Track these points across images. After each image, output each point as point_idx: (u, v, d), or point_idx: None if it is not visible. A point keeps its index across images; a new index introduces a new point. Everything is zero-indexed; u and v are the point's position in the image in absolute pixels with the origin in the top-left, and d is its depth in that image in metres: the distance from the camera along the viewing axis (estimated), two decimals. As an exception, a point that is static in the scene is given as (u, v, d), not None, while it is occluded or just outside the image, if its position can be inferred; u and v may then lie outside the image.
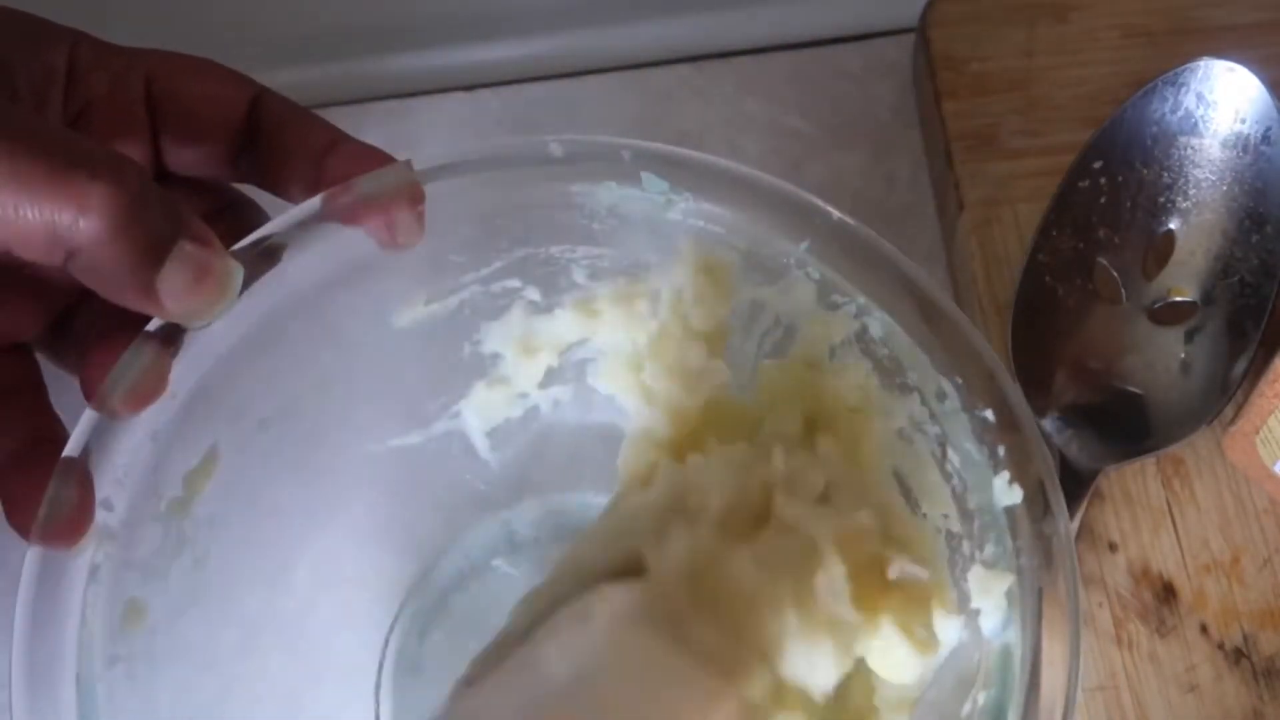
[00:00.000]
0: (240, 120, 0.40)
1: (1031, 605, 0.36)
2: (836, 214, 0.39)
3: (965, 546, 0.39)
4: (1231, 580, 0.47)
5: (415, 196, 0.38)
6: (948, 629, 0.40)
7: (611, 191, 0.40)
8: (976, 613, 0.38)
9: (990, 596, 0.38)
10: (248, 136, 0.40)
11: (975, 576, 0.38)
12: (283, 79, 0.57)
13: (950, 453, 0.39)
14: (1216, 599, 0.47)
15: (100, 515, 0.36)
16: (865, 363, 0.41)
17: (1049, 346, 0.49)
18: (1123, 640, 0.46)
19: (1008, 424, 0.38)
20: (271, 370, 0.40)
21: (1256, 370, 0.46)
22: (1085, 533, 0.47)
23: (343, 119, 0.58)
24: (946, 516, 0.40)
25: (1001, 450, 0.38)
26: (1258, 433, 0.46)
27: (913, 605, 0.39)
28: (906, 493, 0.42)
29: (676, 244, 0.41)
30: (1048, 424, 0.48)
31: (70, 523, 0.35)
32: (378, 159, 0.39)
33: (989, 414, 0.38)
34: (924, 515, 0.41)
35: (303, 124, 0.40)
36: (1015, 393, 0.38)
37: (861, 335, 0.40)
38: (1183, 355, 0.48)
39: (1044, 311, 0.49)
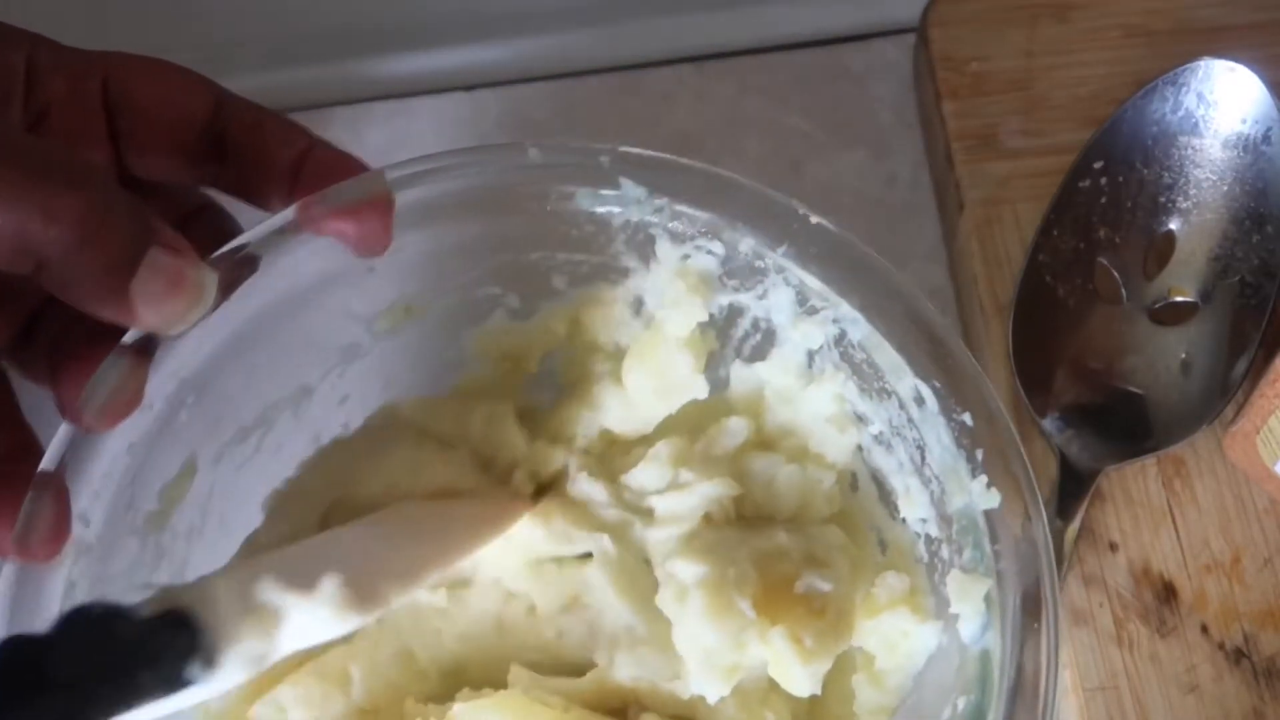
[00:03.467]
0: (201, 123, 0.40)
1: (1011, 610, 0.36)
2: (815, 218, 0.39)
3: (944, 551, 0.39)
4: (1232, 580, 0.47)
5: (385, 206, 0.38)
6: (926, 635, 0.40)
7: (590, 197, 0.40)
8: (955, 618, 0.38)
9: (969, 601, 0.37)
10: (212, 141, 0.40)
11: (954, 581, 0.38)
12: (283, 80, 0.58)
13: (929, 457, 0.39)
14: (1217, 599, 0.47)
15: (77, 529, 0.36)
16: (844, 368, 0.41)
17: (1049, 346, 0.49)
18: (1123, 640, 0.46)
19: (986, 428, 0.38)
20: (249, 379, 0.40)
21: (1257, 370, 0.46)
22: (1085, 533, 0.47)
23: (343, 119, 0.58)
24: (925, 521, 0.40)
25: (980, 454, 0.38)
26: (1258, 433, 0.46)
27: (809, 617, 0.40)
28: (885, 497, 0.42)
29: (655, 248, 0.41)
30: (1048, 424, 0.48)
31: (47, 537, 0.35)
32: (351, 166, 0.39)
33: (967, 418, 0.38)
34: (903, 521, 0.41)
35: (274, 131, 0.40)
36: (994, 396, 0.38)
37: (840, 340, 0.40)
38: (1183, 355, 0.48)
39: (1044, 311, 0.49)
